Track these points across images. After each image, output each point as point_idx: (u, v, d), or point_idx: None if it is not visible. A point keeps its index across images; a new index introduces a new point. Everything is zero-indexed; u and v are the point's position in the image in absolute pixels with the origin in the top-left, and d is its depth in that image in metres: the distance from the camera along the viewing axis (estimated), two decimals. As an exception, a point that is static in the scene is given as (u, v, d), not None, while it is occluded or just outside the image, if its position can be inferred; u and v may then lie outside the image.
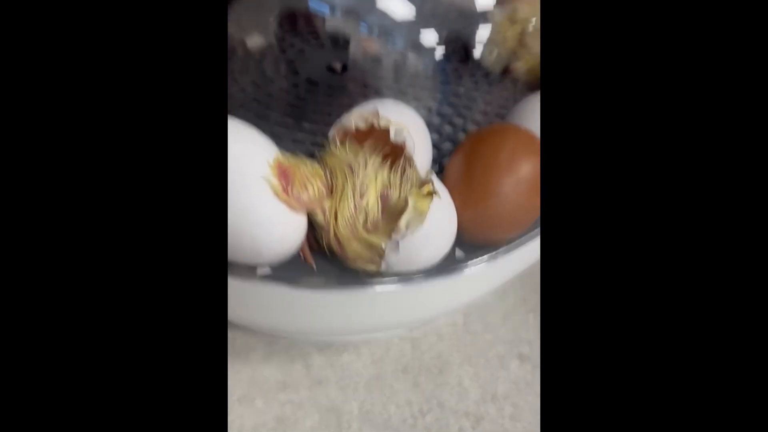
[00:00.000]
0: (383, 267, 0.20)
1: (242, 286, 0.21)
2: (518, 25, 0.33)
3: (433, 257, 0.21)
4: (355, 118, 0.22)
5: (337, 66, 0.32)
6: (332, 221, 0.21)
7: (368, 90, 0.31)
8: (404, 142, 0.22)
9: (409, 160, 0.21)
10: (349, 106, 0.30)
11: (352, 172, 0.21)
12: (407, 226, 0.19)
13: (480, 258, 0.23)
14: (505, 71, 0.33)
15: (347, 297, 0.22)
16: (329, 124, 0.29)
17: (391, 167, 0.21)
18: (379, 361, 0.26)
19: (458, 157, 0.23)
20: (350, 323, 0.24)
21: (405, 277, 0.22)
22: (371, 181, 0.21)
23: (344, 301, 0.22)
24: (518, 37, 0.33)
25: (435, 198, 0.19)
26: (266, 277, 0.21)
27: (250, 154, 0.20)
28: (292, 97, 0.29)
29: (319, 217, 0.21)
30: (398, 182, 0.21)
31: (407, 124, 0.22)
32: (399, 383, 0.26)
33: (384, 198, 0.21)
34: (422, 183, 0.20)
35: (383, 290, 0.22)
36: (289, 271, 0.22)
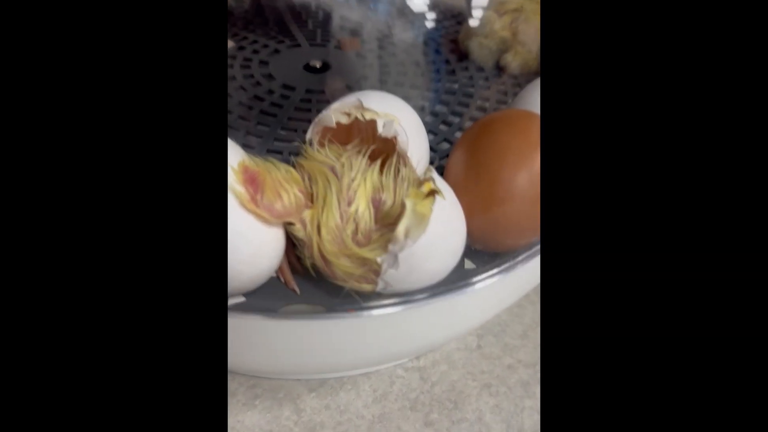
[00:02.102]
0: (380, 286, 0.17)
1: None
2: (507, 17, 0.31)
3: (440, 271, 0.18)
4: (335, 112, 0.19)
5: (317, 63, 0.29)
6: (314, 235, 0.17)
7: (354, 90, 0.27)
8: (395, 136, 0.18)
9: (403, 157, 0.18)
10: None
11: (336, 176, 0.17)
12: (406, 235, 0.16)
13: (494, 269, 0.20)
14: (499, 65, 0.31)
15: (339, 325, 0.18)
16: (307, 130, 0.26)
17: (382, 167, 0.18)
18: (382, 398, 0.22)
19: (462, 150, 0.20)
20: (344, 357, 0.20)
21: (406, 297, 0.19)
22: (359, 184, 0.17)
23: (335, 331, 0.18)
24: (509, 29, 0.31)
25: (438, 198, 0.16)
26: (239, 307, 0.18)
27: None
28: (267, 104, 0.26)
29: (299, 231, 0.17)
30: (392, 183, 0.17)
31: (397, 115, 0.19)
32: (408, 424, 0.22)
33: (376, 203, 0.17)
34: (421, 182, 0.17)
35: (380, 314, 0.18)
36: (267, 298, 0.18)
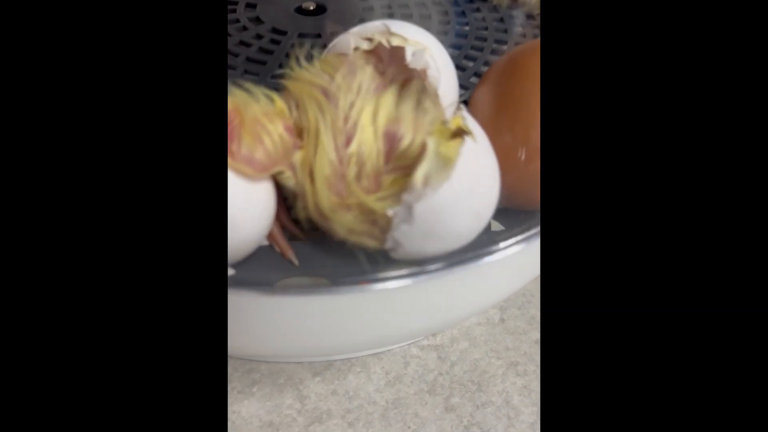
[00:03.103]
0: (389, 244, 0.14)
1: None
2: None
3: (464, 233, 0.15)
4: (354, 37, 0.16)
5: (310, 5, 0.25)
6: (307, 183, 0.14)
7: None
8: (425, 69, 0.15)
9: (429, 90, 0.15)
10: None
11: (330, 100, 0.14)
12: (426, 182, 0.13)
13: (527, 230, 0.17)
14: (514, 2, 0.27)
15: (346, 301, 0.15)
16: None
17: (399, 93, 0.14)
18: (396, 381, 0.20)
19: (487, 89, 0.16)
20: (353, 336, 0.17)
21: (424, 266, 0.16)
22: (362, 110, 0.14)
23: (342, 307, 0.15)
24: None
25: (468, 140, 0.13)
26: (229, 282, 0.15)
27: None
28: (254, 51, 0.23)
29: (289, 180, 0.14)
30: (411, 114, 0.14)
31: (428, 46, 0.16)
32: (426, 409, 0.19)
33: (390, 137, 0.14)
34: (448, 121, 0.14)
35: (394, 287, 0.15)
36: (261, 269, 0.15)
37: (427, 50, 0.15)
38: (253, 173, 0.13)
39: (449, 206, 0.13)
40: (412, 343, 0.21)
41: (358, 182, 0.14)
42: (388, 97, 0.14)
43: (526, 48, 0.18)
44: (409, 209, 0.13)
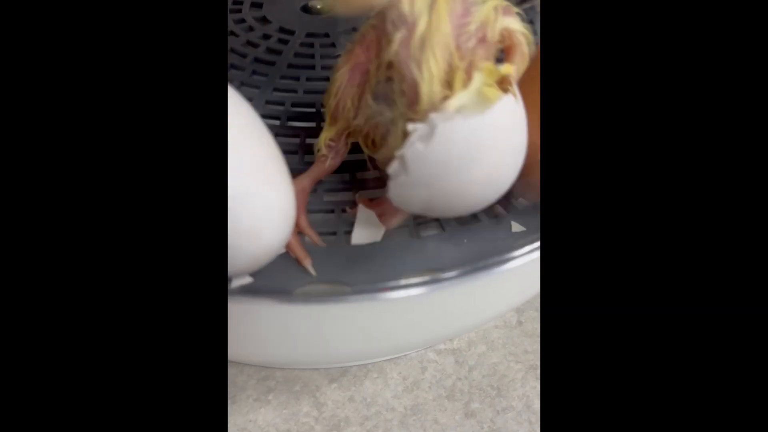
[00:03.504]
0: (395, 168, 0.13)
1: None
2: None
3: (476, 190, 0.13)
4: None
5: (317, 4, 0.25)
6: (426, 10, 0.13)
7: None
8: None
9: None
10: (338, 56, 0.23)
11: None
12: (459, 109, 0.12)
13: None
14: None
15: (365, 309, 0.15)
16: (314, 79, 0.22)
17: None
18: (414, 387, 0.19)
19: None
20: (371, 344, 0.17)
21: (440, 272, 0.15)
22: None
23: (361, 315, 0.15)
24: None
25: (510, 97, 0.12)
26: (246, 290, 0.15)
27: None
28: (262, 51, 0.23)
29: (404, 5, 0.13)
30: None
31: None
32: (446, 415, 0.19)
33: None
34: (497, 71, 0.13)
35: (411, 295, 0.15)
36: (279, 277, 0.15)
37: None
38: (354, 7, 0.14)
39: (470, 143, 0.12)
40: (429, 347, 0.21)
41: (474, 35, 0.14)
42: None
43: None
44: (432, 129, 0.12)
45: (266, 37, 0.23)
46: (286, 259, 0.15)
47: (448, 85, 0.13)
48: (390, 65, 0.14)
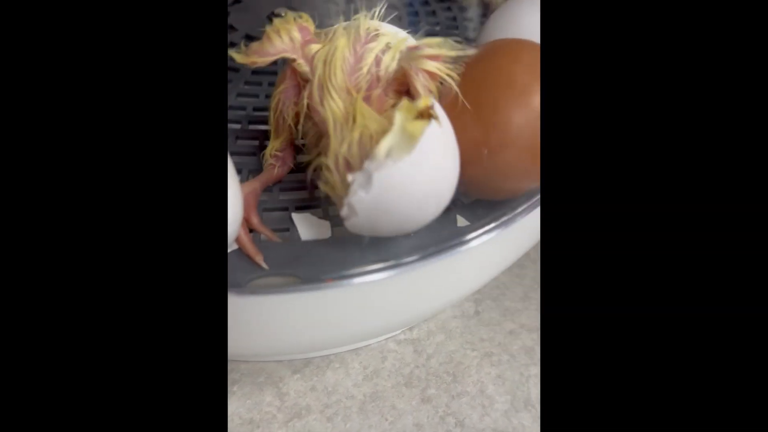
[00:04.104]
0: (344, 212, 0.14)
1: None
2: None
3: (419, 215, 0.15)
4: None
5: (281, 11, 0.26)
6: (321, 66, 0.15)
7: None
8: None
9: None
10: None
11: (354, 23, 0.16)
12: (388, 153, 0.13)
13: (490, 223, 0.17)
14: (484, 2, 0.28)
15: (317, 298, 0.16)
16: (273, 84, 0.23)
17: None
18: (374, 375, 0.20)
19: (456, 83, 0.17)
20: (327, 333, 0.18)
21: (393, 261, 0.16)
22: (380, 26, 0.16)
23: (314, 305, 0.16)
24: None
25: (433, 123, 0.13)
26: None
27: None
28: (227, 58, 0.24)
29: (301, 66, 0.16)
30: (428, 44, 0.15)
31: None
32: (403, 401, 0.20)
33: (410, 48, 0.15)
34: (418, 93, 0.14)
35: (364, 282, 0.16)
36: (233, 270, 0.16)
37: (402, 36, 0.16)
38: (258, 60, 0.15)
39: (407, 181, 0.14)
40: (390, 337, 0.22)
41: (373, 80, 0.15)
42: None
43: (495, 46, 0.18)
44: (369, 177, 0.13)
45: (232, 44, 0.24)
46: (240, 255, 0.16)
47: (353, 118, 0.14)
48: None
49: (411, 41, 0.16)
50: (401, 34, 0.16)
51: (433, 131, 0.13)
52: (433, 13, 0.27)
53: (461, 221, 0.18)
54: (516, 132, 0.16)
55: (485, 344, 0.22)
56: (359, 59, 0.15)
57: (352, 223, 0.14)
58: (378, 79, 0.15)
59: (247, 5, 0.26)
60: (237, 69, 0.23)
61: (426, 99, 0.13)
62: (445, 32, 0.26)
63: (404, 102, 0.13)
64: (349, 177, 0.13)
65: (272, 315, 0.16)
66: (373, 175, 0.13)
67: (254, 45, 0.16)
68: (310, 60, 0.16)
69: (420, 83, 0.15)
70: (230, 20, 0.25)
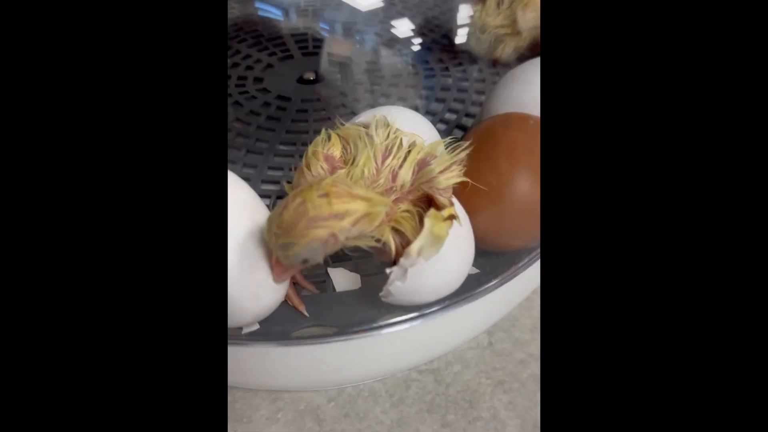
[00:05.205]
0: (384, 294, 0.17)
1: (228, 351, 0.18)
2: (505, 8, 0.30)
3: (445, 289, 0.18)
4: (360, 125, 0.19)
5: (310, 76, 0.29)
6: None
7: (347, 98, 0.28)
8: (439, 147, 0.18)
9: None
10: (327, 120, 0.27)
11: (372, 139, 0.17)
12: (420, 253, 0.16)
13: (504, 275, 0.20)
14: (493, 58, 0.30)
15: (350, 345, 0.19)
16: (307, 144, 0.26)
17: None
18: (399, 403, 0.23)
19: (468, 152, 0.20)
20: (358, 372, 0.21)
21: (414, 313, 0.19)
22: (398, 138, 0.18)
23: (347, 351, 0.19)
24: (507, 12, 0.30)
25: (455, 223, 0.16)
26: (254, 335, 0.18)
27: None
28: (263, 119, 0.27)
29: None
30: (439, 157, 0.17)
31: (418, 131, 0.19)
32: (426, 426, 0.22)
33: (422, 164, 0.17)
34: (442, 205, 0.17)
35: (390, 333, 0.19)
36: (281, 322, 0.19)
37: (418, 138, 0.18)
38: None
39: (435, 271, 0.17)
40: (413, 368, 0.24)
41: (389, 189, 0.17)
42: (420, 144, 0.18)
43: (495, 120, 0.21)
44: (404, 271, 0.16)
45: (266, 104, 0.28)
46: (286, 307, 0.19)
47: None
48: None
49: (420, 141, 0.18)
50: (416, 136, 0.18)
51: (454, 229, 0.16)
52: (446, 69, 0.30)
53: (472, 269, 0.21)
54: (519, 200, 0.19)
55: (498, 373, 0.24)
56: (378, 175, 0.17)
57: (390, 300, 0.18)
58: (392, 190, 0.17)
59: (278, 70, 0.29)
60: (272, 129, 0.26)
61: (449, 209, 0.16)
62: (457, 85, 0.29)
63: (431, 211, 0.16)
64: (387, 270, 0.16)
65: (311, 359, 0.19)
66: (408, 270, 0.16)
67: (294, 180, 0.18)
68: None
69: (441, 200, 0.17)
70: (264, 84, 0.29)
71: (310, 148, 0.17)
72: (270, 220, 0.15)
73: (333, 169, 0.17)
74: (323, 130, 0.18)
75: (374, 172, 0.17)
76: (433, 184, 0.17)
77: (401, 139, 0.17)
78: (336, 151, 0.18)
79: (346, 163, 0.17)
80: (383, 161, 0.17)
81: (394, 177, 0.17)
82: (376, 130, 0.17)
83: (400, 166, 0.17)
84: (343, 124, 0.18)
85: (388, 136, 0.17)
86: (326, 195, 0.14)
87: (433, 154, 0.17)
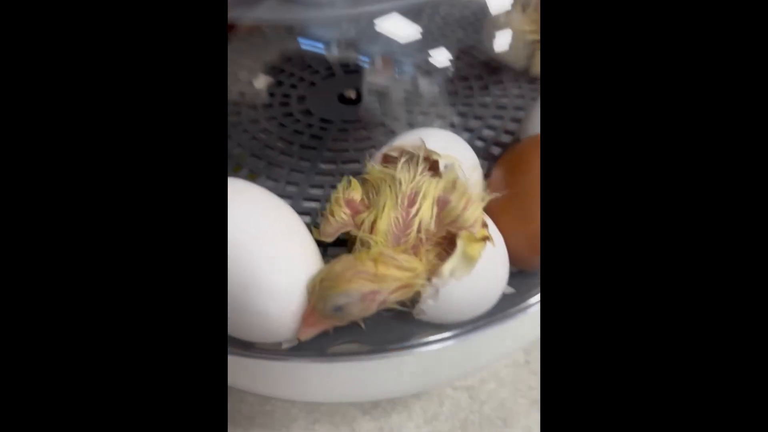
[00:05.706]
0: (416, 312, 0.18)
1: (268, 365, 0.19)
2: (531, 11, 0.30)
3: (477, 310, 0.19)
4: (396, 150, 0.20)
5: (351, 94, 0.29)
6: (367, 234, 0.17)
7: (386, 117, 0.28)
8: (456, 179, 0.19)
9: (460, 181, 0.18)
10: (367, 139, 0.27)
11: (397, 184, 0.18)
12: (452, 274, 0.16)
13: (534, 295, 0.20)
14: (530, 72, 0.30)
15: (384, 363, 0.19)
16: (347, 162, 0.27)
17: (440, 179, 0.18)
18: (433, 419, 0.24)
19: (498, 175, 0.20)
20: (392, 389, 0.21)
21: (451, 332, 0.19)
22: (422, 183, 0.18)
23: (381, 368, 0.19)
24: (534, 17, 0.30)
25: (488, 244, 0.17)
26: (292, 351, 0.19)
27: (254, 218, 0.18)
28: (306, 138, 0.27)
29: (355, 232, 0.18)
30: (452, 190, 0.18)
31: (456, 154, 0.19)
32: (459, 443, 0.23)
33: (442, 204, 0.17)
34: (476, 224, 0.17)
35: (424, 351, 0.19)
36: (318, 338, 0.19)
37: (456, 162, 0.18)
38: (325, 238, 0.18)
39: (467, 291, 0.17)
40: (447, 385, 0.25)
41: (416, 238, 0.17)
42: (435, 180, 0.18)
43: (530, 140, 0.21)
44: (437, 291, 0.17)
45: (309, 125, 0.29)
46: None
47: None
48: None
49: (456, 162, 0.18)
50: (452, 158, 0.18)
51: (488, 251, 0.17)
52: (486, 87, 0.30)
53: (508, 289, 0.21)
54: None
55: (533, 392, 0.24)
56: (405, 228, 0.17)
57: (423, 318, 0.18)
58: (422, 241, 0.17)
59: (320, 88, 0.30)
60: (314, 147, 0.27)
61: (483, 231, 0.16)
62: (496, 102, 0.29)
63: (464, 233, 0.16)
64: (421, 289, 0.17)
65: (346, 375, 0.20)
66: (440, 289, 0.17)
67: (321, 227, 0.18)
68: (360, 226, 0.18)
69: (475, 231, 0.17)
70: (307, 104, 0.30)
71: (333, 195, 0.18)
72: (318, 271, 0.16)
73: (355, 214, 0.18)
74: (343, 178, 0.19)
75: (400, 220, 0.17)
76: (460, 224, 0.17)
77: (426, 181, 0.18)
78: (356, 194, 0.18)
79: (368, 207, 0.18)
80: (409, 206, 0.17)
81: (419, 227, 0.17)
82: (401, 171, 0.18)
83: (417, 212, 0.17)
84: (371, 165, 0.19)
85: (413, 178, 0.18)
86: (374, 261, 0.16)
87: (450, 187, 0.17)
